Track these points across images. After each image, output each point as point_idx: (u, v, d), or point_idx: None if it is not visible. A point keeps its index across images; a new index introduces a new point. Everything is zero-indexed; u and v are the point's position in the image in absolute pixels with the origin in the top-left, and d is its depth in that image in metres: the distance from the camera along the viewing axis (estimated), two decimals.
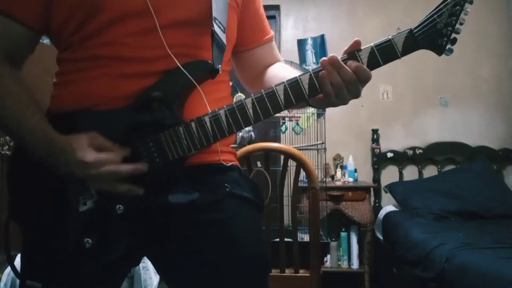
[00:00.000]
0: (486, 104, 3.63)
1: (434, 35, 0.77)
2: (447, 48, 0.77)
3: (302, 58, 3.74)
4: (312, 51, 3.73)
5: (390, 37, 0.77)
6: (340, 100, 0.80)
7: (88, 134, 0.76)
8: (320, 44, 3.71)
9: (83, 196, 0.77)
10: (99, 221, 0.77)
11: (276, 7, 3.85)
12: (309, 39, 3.74)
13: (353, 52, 0.78)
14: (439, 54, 0.79)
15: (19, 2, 0.80)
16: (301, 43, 3.75)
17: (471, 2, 0.76)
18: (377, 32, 3.65)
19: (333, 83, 0.77)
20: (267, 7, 3.74)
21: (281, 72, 0.96)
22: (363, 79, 0.77)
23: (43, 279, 0.79)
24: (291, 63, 3.32)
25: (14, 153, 0.85)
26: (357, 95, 0.80)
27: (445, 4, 0.76)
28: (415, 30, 0.77)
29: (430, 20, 0.77)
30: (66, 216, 0.77)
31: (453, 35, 0.77)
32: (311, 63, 3.72)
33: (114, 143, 0.77)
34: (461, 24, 0.76)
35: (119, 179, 0.76)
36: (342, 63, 0.77)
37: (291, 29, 3.85)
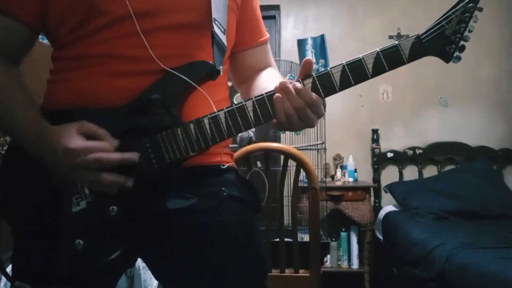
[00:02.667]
0: (486, 104, 3.63)
1: (442, 42, 0.75)
2: (455, 55, 0.76)
3: (302, 58, 3.72)
4: (312, 51, 3.73)
5: (396, 42, 0.75)
6: (291, 126, 0.78)
7: (77, 122, 0.74)
8: (320, 44, 3.71)
9: (76, 196, 0.75)
10: (92, 223, 0.75)
11: (276, 7, 3.85)
12: (309, 39, 3.74)
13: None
14: (447, 61, 0.77)
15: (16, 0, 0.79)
16: (301, 43, 3.75)
17: (480, 10, 0.74)
18: (377, 32, 3.65)
19: (285, 109, 0.75)
20: (267, 7, 3.77)
21: (264, 82, 0.94)
22: (309, 103, 0.75)
23: (32, 280, 0.78)
24: (291, 63, 3.33)
25: (8, 151, 0.84)
26: (309, 123, 0.78)
27: (454, 11, 0.74)
28: (423, 36, 0.75)
29: (438, 26, 0.75)
30: (59, 216, 0.76)
31: (462, 43, 0.75)
32: (312, 59, 3.71)
33: (106, 132, 0.74)
34: (470, 31, 0.75)
35: (107, 169, 0.72)
36: (291, 88, 0.75)
37: (291, 29, 3.85)
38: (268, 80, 0.93)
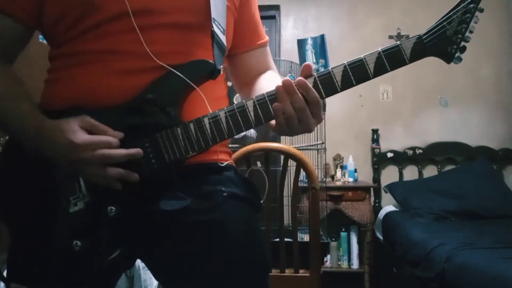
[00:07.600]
0: (486, 104, 3.63)
1: (443, 43, 0.74)
2: (456, 56, 0.75)
3: (302, 58, 3.73)
4: (312, 51, 3.73)
5: (398, 42, 0.75)
6: (290, 129, 0.76)
7: (78, 117, 0.73)
8: (320, 44, 3.70)
9: (74, 196, 0.75)
10: (90, 223, 0.74)
11: (276, 7, 3.84)
12: (309, 39, 3.73)
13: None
14: (448, 62, 0.77)
15: None
16: (301, 43, 3.74)
17: (481, 10, 0.73)
18: (377, 32, 3.65)
19: (285, 110, 0.73)
20: (267, 7, 3.77)
21: (266, 85, 0.92)
22: (310, 101, 0.74)
23: (29, 282, 0.77)
24: (291, 63, 3.32)
25: (4, 152, 0.83)
26: (307, 127, 0.76)
27: (455, 11, 0.74)
28: (424, 37, 0.74)
29: (439, 27, 0.74)
30: (56, 217, 0.75)
31: (463, 43, 0.75)
32: (311, 63, 3.71)
33: (106, 126, 0.74)
34: (471, 32, 0.74)
35: (112, 165, 0.72)
36: (295, 89, 0.73)
37: (291, 29, 3.85)
38: (270, 83, 0.92)
